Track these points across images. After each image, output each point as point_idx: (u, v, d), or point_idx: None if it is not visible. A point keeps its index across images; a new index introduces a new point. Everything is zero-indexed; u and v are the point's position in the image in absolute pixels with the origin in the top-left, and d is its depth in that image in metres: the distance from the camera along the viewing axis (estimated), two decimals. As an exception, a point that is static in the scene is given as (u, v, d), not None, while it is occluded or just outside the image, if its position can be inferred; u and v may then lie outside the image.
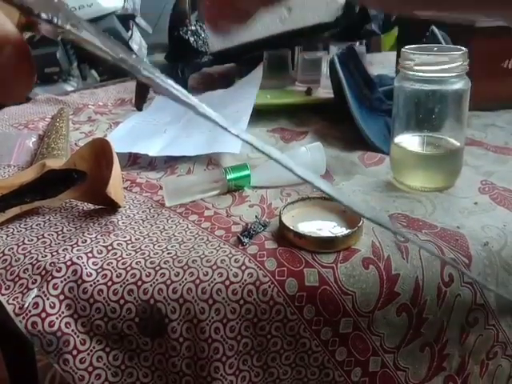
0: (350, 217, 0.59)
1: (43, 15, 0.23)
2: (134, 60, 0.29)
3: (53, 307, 0.52)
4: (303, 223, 0.59)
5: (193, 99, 0.28)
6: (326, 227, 0.59)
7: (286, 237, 0.58)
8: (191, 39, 1.09)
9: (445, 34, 0.93)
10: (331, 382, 0.55)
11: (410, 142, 0.71)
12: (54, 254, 0.56)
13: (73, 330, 0.52)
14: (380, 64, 1.40)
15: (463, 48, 0.67)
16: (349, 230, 0.56)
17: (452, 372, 0.59)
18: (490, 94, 0.93)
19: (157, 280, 0.53)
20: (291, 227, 0.57)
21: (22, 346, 0.81)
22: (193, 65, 1.15)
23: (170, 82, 0.29)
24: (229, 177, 0.70)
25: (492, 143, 0.85)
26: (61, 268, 0.54)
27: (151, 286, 0.53)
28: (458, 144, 0.70)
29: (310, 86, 1.10)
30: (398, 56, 0.92)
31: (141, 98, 1.10)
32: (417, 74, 0.66)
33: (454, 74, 0.65)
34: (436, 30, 0.93)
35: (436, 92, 0.66)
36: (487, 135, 0.89)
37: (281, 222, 0.58)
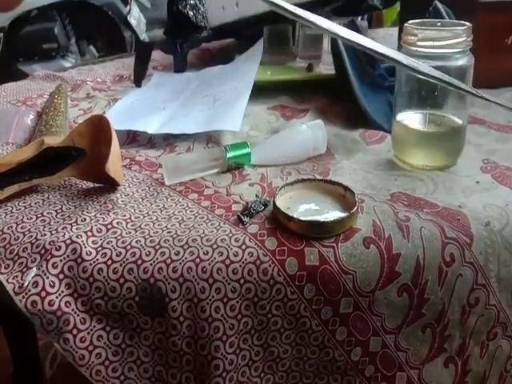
0: (348, 201, 0.59)
1: None
2: None
3: (52, 286, 0.52)
4: (300, 205, 0.59)
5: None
6: (322, 210, 0.58)
7: (276, 218, 0.57)
8: (190, 14, 1.07)
9: (448, 8, 0.92)
10: (331, 361, 0.55)
11: (411, 119, 0.70)
12: (54, 232, 0.56)
13: (73, 309, 0.52)
14: (382, 39, 1.38)
15: (467, 23, 0.66)
16: (338, 216, 0.55)
17: (453, 353, 0.59)
18: (492, 70, 0.92)
19: (157, 259, 0.53)
20: (281, 209, 0.56)
21: (23, 325, 0.81)
22: (192, 40, 1.13)
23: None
24: (229, 155, 0.69)
25: (494, 121, 0.84)
26: (60, 247, 0.54)
27: (151, 264, 0.52)
28: (461, 122, 0.69)
29: (311, 61, 1.09)
30: (401, 31, 0.90)
31: (140, 75, 1.09)
32: (420, 49, 0.65)
33: (457, 50, 0.64)
34: (439, 5, 0.91)
35: (439, 68, 0.64)
36: (489, 113, 0.88)
37: (274, 203, 0.58)
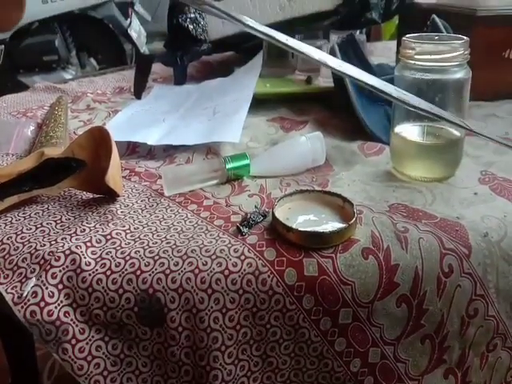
0: (347, 212, 0.59)
1: None
2: None
3: (51, 296, 0.52)
4: (299, 216, 0.59)
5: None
6: (321, 221, 0.58)
7: (275, 229, 0.57)
8: (190, 27, 1.08)
9: (445, 22, 0.92)
10: (330, 372, 0.55)
11: (410, 131, 0.70)
12: (53, 243, 0.56)
13: (72, 320, 0.52)
14: (380, 53, 1.39)
15: (464, 37, 0.67)
16: (337, 227, 0.55)
17: (452, 365, 0.59)
18: (490, 84, 0.93)
19: (156, 269, 0.53)
20: (280, 219, 0.56)
21: (22, 335, 0.81)
22: (192, 53, 1.14)
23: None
24: (228, 166, 0.69)
25: (492, 133, 0.85)
26: (59, 257, 0.54)
27: (150, 275, 0.52)
28: (459, 134, 0.69)
29: (310, 74, 1.10)
30: (399, 45, 0.91)
31: (140, 87, 1.10)
32: (417, 63, 0.65)
33: (454, 64, 0.65)
34: (437, 19, 0.92)
35: (437, 81, 0.66)
36: (487, 125, 0.88)
37: (273, 213, 0.58)
